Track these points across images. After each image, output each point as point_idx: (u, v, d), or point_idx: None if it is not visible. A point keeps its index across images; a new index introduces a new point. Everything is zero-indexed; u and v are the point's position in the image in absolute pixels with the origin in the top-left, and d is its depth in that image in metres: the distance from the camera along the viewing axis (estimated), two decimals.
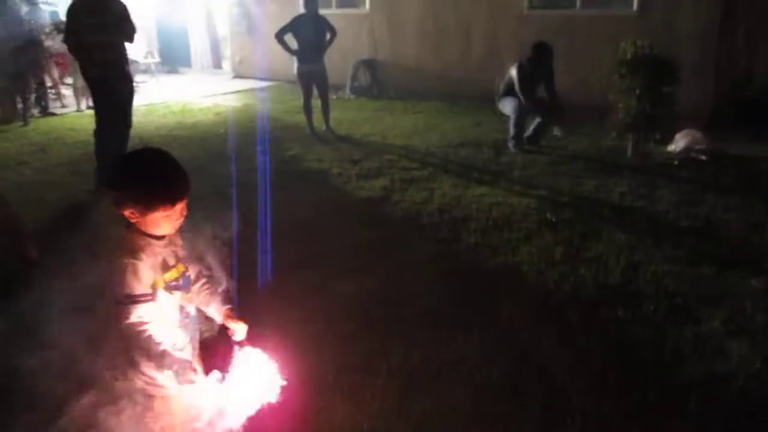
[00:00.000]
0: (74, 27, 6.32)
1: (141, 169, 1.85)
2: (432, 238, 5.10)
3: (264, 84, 14.09)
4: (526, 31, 10.64)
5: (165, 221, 1.88)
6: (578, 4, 10.30)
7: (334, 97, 11.16)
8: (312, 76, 8.68)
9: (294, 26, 8.58)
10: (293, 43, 8.67)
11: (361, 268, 4.49)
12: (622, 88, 7.38)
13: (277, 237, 4.75)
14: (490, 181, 6.64)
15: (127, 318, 1.77)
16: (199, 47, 17.65)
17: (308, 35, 8.52)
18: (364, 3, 12.84)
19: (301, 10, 9.00)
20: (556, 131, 7.69)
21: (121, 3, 6.46)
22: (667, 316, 3.80)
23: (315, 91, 8.79)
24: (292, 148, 8.11)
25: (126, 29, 6.51)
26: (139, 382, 1.88)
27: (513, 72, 7.76)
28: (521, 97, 7.63)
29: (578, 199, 6.01)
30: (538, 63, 7.63)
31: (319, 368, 3.21)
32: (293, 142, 8.46)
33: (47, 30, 10.84)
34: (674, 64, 7.23)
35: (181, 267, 1.98)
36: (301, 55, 8.61)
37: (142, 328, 1.79)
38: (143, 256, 1.84)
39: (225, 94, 13.23)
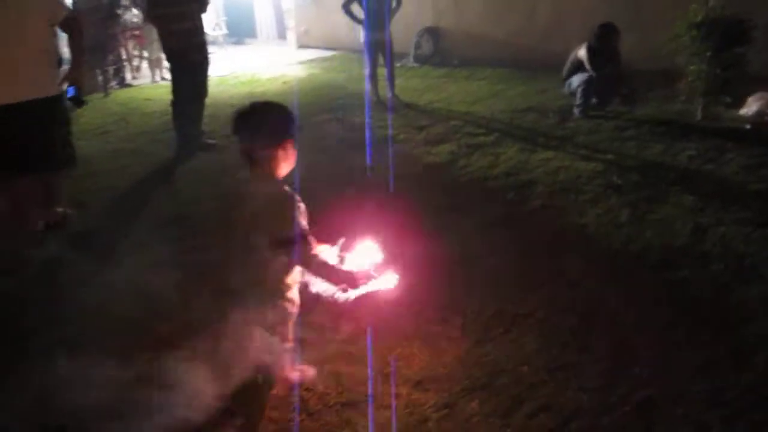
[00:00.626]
0: None
1: (279, 109, 2.30)
2: (500, 201, 5.26)
3: (329, 53, 14.31)
4: None
5: (291, 158, 2.30)
6: None
7: (398, 65, 11.29)
8: (378, 45, 8.85)
9: None
10: (359, 14, 8.85)
11: (437, 228, 4.70)
12: (692, 50, 7.26)
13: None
14: (555, 145, 6.71)
15: (310, 249, 2.13)
16: (264, 19, 17.98)
17: (374, 5, 8.67)
18: None
19: None
20: (625, 107, 7.58)
21: None
22: (734, 276, 3.87)
23: (380, 60, 8.97)
24: (359, 115, 8.33)
25: (201, 0, 6.82)
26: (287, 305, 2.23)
27: (581, 52, 7.76)
28: (592, 72, 7.63)
29: (644, 163, 6.03)
30: (605, 44, 7.60)
31: (399, 319, 3.45)
32: (360, 109, 8.68)
33: (125, 3, 11.30)
34: (747, 24, 7.07)
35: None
36: (367, 24, 8.78)
37: (320, 256, 2.17)
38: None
39: (291, 64, 13.53)
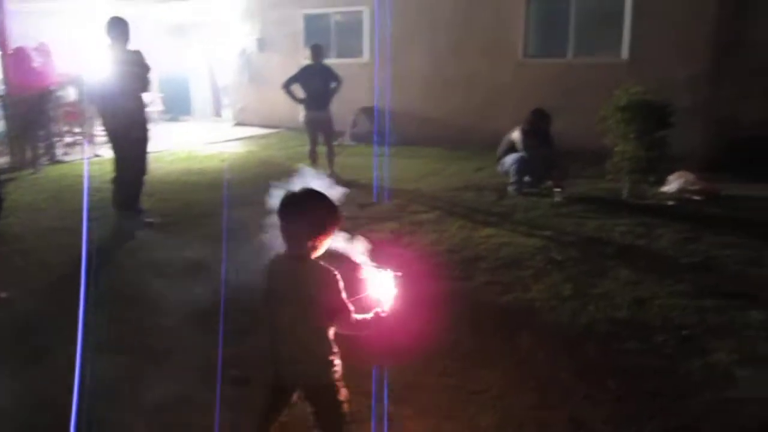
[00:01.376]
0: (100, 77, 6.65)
1: (327, 201, 2.47)
2: (446, 277, 5.33)
3: (267, 131, 14.44)
4: (523, 79, 11.11)
5: (326, 245, 2.45)
6: (570, 52, 10.75)
7: (335, 143, 11.48)
8: (318, 123, 9.02)
9: (302, 76, 8.97)
10: (298, 92, 9.04)
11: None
12: (618, 132, 7.73)
13: None
14: (495, 222, 6.90)
15: (352, 314, 2.41)
16: (200, 96, 18.08)
17: (315, 84, 8.90)
18: (364, 52, 13.31)
19: (302, 59, 9.40)
20: (557, 197, 7.76)
21: (140, 52, 6.79)
22: (676, 347, 4.01)
23: (319, 138, 9.13)
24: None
25: (144, 78, 6.83)
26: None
27: (515, 134, 8.17)
28: (525, 152, 7.99)
29: (581, 239, 6.27)
30: (537, 128, 8.04)
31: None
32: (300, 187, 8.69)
33: (59, 81, 11.17)
34: (667, 109, 7.61)
35: None
36: (308, 103, 8.97)
37: (359, 317, 2.44)
38: None
39: (228, 141, 13.56)
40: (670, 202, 7.57)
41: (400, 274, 2.59)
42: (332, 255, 2.52)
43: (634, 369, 3.76)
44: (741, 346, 3.99)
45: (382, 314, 2.49)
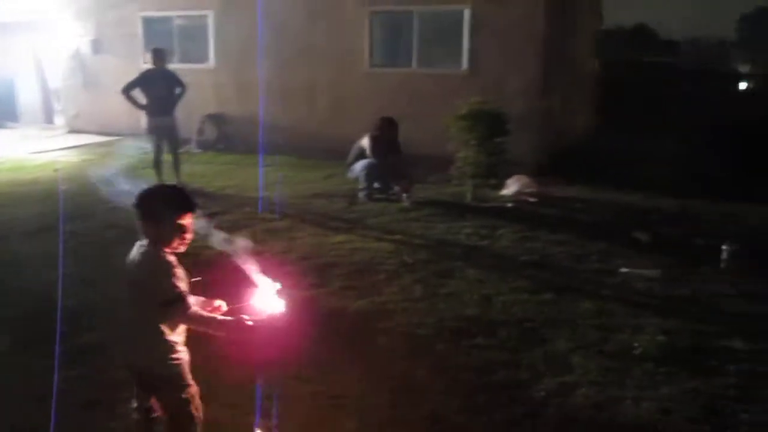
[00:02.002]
0: None
1: (160, 194, 2.63)
2: (301, 284, 5.32)
3: (105, 139, 13.60)
4: (369, 88, 11.35)
5: (184, 238, 2.52)
6: (414, 63, 11.16)
7: (181, 151, 11.07)
8: (163, 131, 8.65)
9: (143, 81, 8.56)
10: (140, 98, 8.63)
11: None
12: (460, 139, 8.14)
13: None
14: (347, 228, 7.00)
15: (189, 307, 2.46)
16: (28, 101, 16.62)
17: (158, 90, 8.53)
18: (210, 58, 12.96)
19: (143, 64, 8.99)
20: (405, 202, 7.99)
21: None
22: (520, 340, 4.30)
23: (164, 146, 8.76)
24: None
25: None
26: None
27: (364, 141, 8.35)
28: (374, 159, 8.17)
29: (430, 242, 6.53)
30: (385, 135, 8.27)
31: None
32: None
33: None
34: (503, 118, 8.13)
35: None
36: (150, 109, 8.57)
37: (197, 310, 2.51)
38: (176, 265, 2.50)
39: (62, 149, 12.61)
40: (510, 204, 8.08)
41: (279, 285, 2.69)
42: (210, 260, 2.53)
43: (483, 363, 3.98)
44: (575, 335, 4.35)
45: (247, 320, 2.53)
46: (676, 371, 3.89)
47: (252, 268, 2.66)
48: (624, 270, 5.72)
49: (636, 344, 4.20)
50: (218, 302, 2.70)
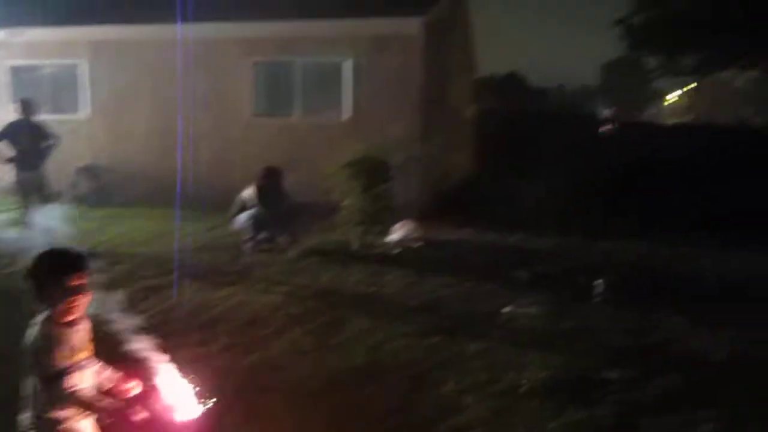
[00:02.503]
0: None
1: (47, 252, 2.48)
2: (184, 344, 5.07)
3: None
4: (253, 137, 11.25)
5: (73, 303, 2.40)
6: (297, 112, 11.19)
7: (52, 205, 10.44)
8: (31, 185, 8.15)
9: (9, 133, 8.07)
10: (6, 151, 8.12)
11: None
12: (344, 187, 8.19)
13: None
14: (233, 282, 6.79)
15: (66, 384, 2.36)
16: None
17: (25, 142, 8.07)
18: (83, 108, 12.40)
19: (10, 115, 8.50)
20: (292, 252, 7.90)
21: None
22: (410, 384, 4.29)
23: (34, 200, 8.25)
24: (13, 263, 7.39)
25: None
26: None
27: (248, 192, 8.21)
28: (258, 209, 8.04)
29: (318, 291, 6.46)
30: (269, 184, 8.18)
31: None
32: (10, 258, 7.71)
33: None
34: (386, 165, 8.28)
35: (87, 350, 2.52)
36: (18, 162, 8.07)
37: (75, 389, 2.39)
38: (62, 338, 2.39)
39: None
40: (396, 250, 8.17)
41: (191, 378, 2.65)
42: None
43: (375, 411, 3.93)
44: (464, 377, 4.40)
45: (134, 411, 2.41)
46: (562, 405, 4.01)
47: (146, 349, 2.59)
48: (508, 309, 5.89)
49: (523, 381, 4.31)
50: (132, 383, 2.60)
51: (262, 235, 8.26)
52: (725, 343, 5.18)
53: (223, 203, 8.91)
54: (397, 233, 8.69)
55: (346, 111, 10.86)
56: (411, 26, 10.36)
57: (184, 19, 11.83)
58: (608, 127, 21.12)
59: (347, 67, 10.78)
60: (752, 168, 13.18)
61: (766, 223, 9.53)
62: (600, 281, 6.29)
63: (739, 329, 5.49)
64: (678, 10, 24.19)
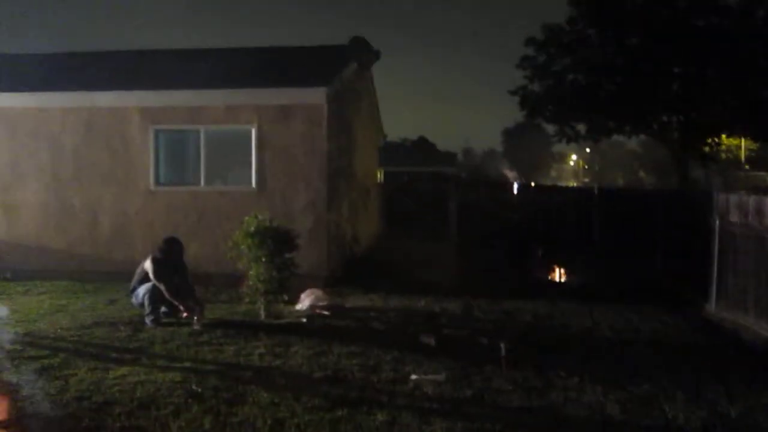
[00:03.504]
0: None
1: None
2: (72, 430, 4.77)
3: None
4: (154, 207, 10.98)
5: None
6: (202, 181, 11.05)
7: None
8: None
9: None
10: None
11: None
12: (250, 257, 8.09)
13: None
14: (131, 359, 6.49)
15: None
16: None
17: None
18: None
19: None
20: (196, 325, 7.66)
21: None
22: None
23: None
24: None
25: None
26: None
27: (146, 264, 7.97)
28: (159, 282, 7.79)
29: (221, 366, 6.25)
30: (169, 256, 7.99)
31: None
32: None
33: None
34: (292, 233, 8.27)
35: None
36: None
37: None
38: None
39: None
40: (303, 319, 8.08)
41: None
42: None
43: None
44: None
45: None
46: None
47: None
48: (414, 377, 5.90)
49: None
50: None
51: (164, 309, 7.99)
52: (616, 400, 5.38)
53: (124, 276, 8.60)
54: (304, 302, 8.63)
55: (253, 179, 10.82)
56: (315, 96, 10.56)
57: (85, 87, 11.63)
58: (515, 188, 21.92)
59: (253, 135, 10.80)
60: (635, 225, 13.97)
61: (653, 288, 10.10)
62: (503, 343, 6.42)
63: (631, 384, 5.72)
64: (566, 83, 25.96)
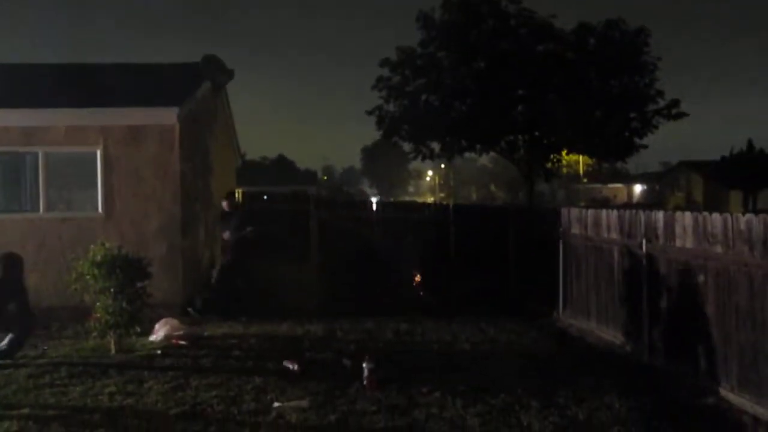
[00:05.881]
0: None
1: None
2: None
3: None
4: None
5: None
6: (41, 207, 10.21)
7: None
8: None
9: None
10: None
11: None
12: (97, 288, 7.56)
13: None
14: None
15: None
16: None
17: None
18: None
19: None
20: (33, 367, 7.00)
21: None
22: None
23: None
24: None
25: None
26: None
27: None
28: None
29: (66, 411, 5.75)
30: (5, 277, 7.25)
31: None
32: None
33: None
34: (143, 262, 7.83)
35: None
36: None
37: None
38: None
39: None
40: (158, 351, 7.66)
41: None
42: None
43: None
44: None
45: None
46: None
47: None
48: (277, 404, 5.76)
49: None
50: None
51: (3, 346, 7.20)
52: (476, 413, 5.57)
53: None
54: (159, 332, 8.20)
55: (100, 205, 10.14)
56: (166, 116, 10.12)
57: None
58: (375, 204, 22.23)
59: (99, 158, 10.14)
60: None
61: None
62: (365, 363, 6.43)
63: (490, 396, 5.94)
64: (420, 103, 26.93)
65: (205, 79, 11.92)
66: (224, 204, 11.37)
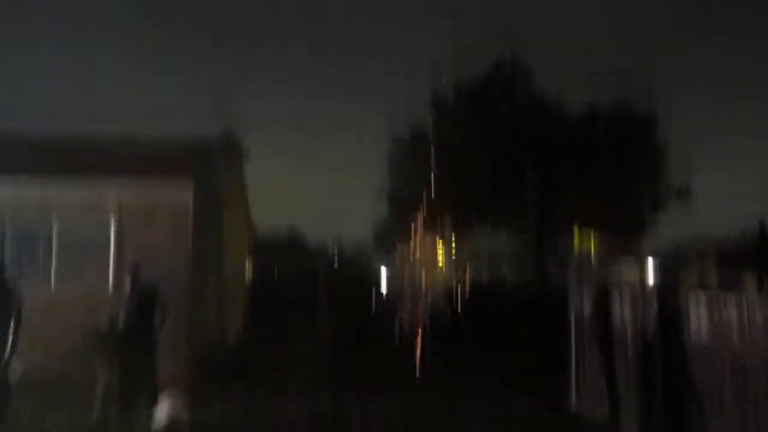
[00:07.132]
0: None
1: None
2: None
3: None
4: None
5: None
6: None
7: None
8: None
9: None
10: None
11: None
12: (100, 361, 7.38)
13: None
14: None
15: None
16: None
17: None
18: None
19: None
20: None
21: None
22: None
23: None
24: None
25: None
26: None
27: None
28: None
29: None
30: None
31: None
32: None
33: None
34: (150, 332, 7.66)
35: None
36: None
37: None
38: None
39: None
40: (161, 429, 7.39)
41: None
42: None
43: None
44: None
45: None
46: None
47: None
48: None
49: None
50: None
51: None
52: None
53: None
54: (162, 408, 7.94)
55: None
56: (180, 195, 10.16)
57: None
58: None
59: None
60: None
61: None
62: None
63: None
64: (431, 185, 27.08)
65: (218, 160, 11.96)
66: None
